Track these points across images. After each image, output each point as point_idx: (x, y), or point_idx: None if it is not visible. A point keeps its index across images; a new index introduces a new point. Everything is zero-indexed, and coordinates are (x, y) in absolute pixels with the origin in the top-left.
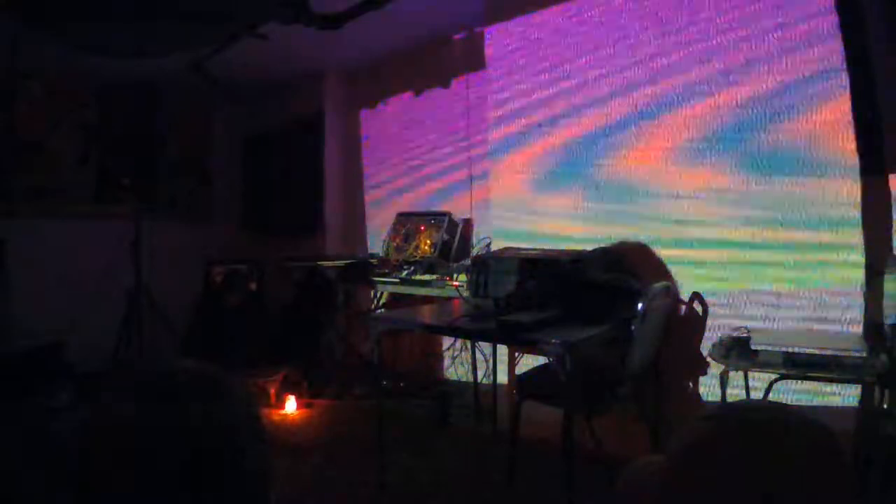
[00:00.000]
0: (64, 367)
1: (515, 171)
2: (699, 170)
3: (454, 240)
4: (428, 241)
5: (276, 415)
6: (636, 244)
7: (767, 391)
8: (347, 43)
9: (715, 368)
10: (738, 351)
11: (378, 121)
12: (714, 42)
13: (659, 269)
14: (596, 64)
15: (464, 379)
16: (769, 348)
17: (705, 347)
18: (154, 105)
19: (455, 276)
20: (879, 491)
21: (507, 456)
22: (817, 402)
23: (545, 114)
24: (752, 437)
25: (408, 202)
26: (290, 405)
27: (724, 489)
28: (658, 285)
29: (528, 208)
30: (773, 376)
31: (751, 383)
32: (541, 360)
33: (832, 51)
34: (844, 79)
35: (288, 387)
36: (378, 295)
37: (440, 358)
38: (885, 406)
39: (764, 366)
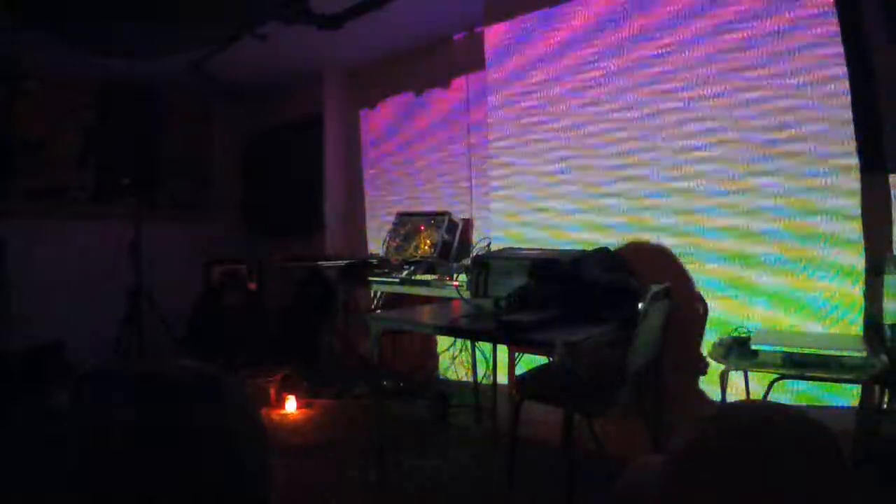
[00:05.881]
0: (64, 367)
1: (515, 171)
2: (699, 169)
3: (454, 240)
4: (428, 241)
5: (276, 415)
6: (636, 245)
7: (767, 391)
8: (347, 43)
9: (715, 368)
10: (738, 351)
11: (378, 121)
12: (714, 41)
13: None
14: (596, 63)
15: (464, 379)
16: (769, 348)
17: (705, 347)
18: (154, 105)
19: (455, 276)
20: (879, 491)
21: (507, 456)
22: (817, 402)
23: (545, 113)
24: (752, 437)
25: (408, 202)
26: (290, 405)
27: (723, 489)
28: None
29: (529, 208)
30: (773, 376)
31: (751, 383)
32: (541, 360)
33: (833, 50)
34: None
35: (288, 387)
36: (378, 295)
37: (440, 358)
38: (885, 406)
39: (764, 366)
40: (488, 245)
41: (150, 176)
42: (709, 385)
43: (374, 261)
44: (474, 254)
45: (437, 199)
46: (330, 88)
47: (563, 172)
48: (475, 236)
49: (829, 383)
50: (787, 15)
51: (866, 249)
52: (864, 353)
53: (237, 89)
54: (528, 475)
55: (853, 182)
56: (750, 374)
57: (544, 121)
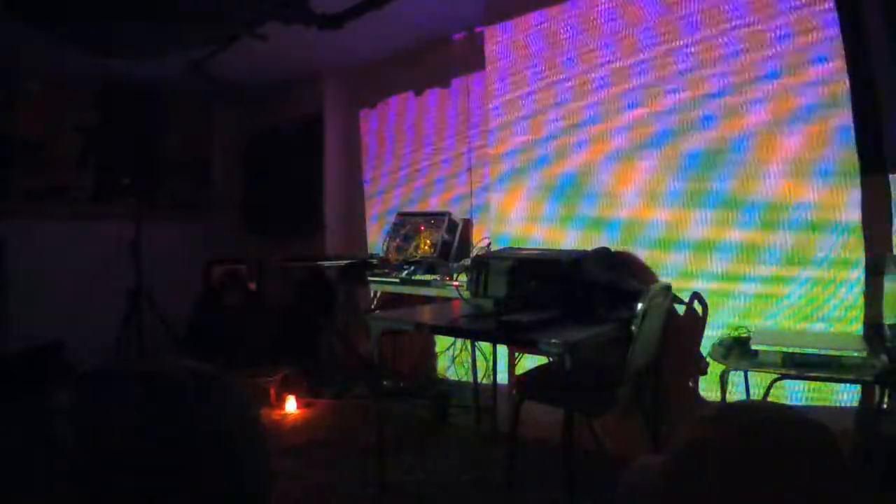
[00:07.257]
0: (64, 367)
1: (515, 171)
2: (699, 169)
3: (454, 240)
4: (428, 241)
5: (276, 415)
6: (636, 245)
7: (767, 391)
8: (347, 43)
9: (715, 368)
10: (738, 351)
11: (378, 121)
12: (715, 41)
13: (658, 269)
14: (596, 63)
15: (464, 379)
16: (769, 348)
17: (705, 347)
18: (154, 105)
19: (455, 276)
20: (879, 491)
21: (507, 456)
22: (817, 402)
23: (545, 114)
24: (752, 437)
25: (408, 202)
26: (290, 405)
27: (724, 489)
28: (658, 285)
29: (529, 208)
30: (773, 376)
31: (751, 383)
32: (541, 360)
33: (833, 50)
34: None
35: (288, 387)
36: (378, 295)
37: (440, 358)
38: (885, 406)
39: (764, 366)
40: (488, 245)
41: (150, 176)
42: (709, 385)
43: (374, 261)
44: (474, 254)
45: (437, 199)
46: (330, 88)
47: (563, 172)
48: (475, 236)
49: (829, 383)
50: (784, 15)
51: (866, 249)
52: (864, 353)
53: (237, 89)
54: (528, 475)
55: (852, 182)
56: (750, 374)
57: (544, 120)
